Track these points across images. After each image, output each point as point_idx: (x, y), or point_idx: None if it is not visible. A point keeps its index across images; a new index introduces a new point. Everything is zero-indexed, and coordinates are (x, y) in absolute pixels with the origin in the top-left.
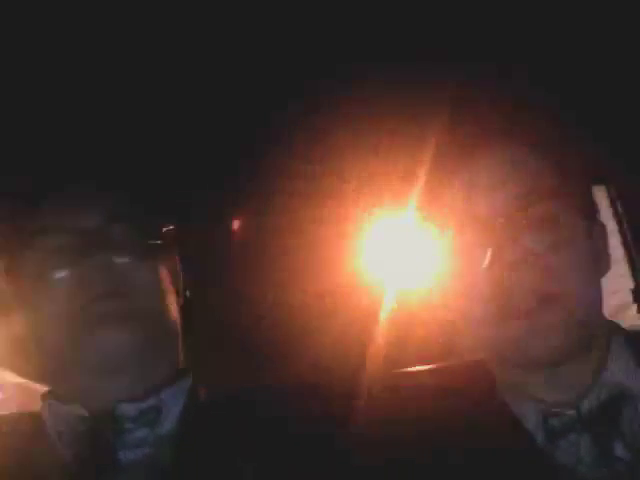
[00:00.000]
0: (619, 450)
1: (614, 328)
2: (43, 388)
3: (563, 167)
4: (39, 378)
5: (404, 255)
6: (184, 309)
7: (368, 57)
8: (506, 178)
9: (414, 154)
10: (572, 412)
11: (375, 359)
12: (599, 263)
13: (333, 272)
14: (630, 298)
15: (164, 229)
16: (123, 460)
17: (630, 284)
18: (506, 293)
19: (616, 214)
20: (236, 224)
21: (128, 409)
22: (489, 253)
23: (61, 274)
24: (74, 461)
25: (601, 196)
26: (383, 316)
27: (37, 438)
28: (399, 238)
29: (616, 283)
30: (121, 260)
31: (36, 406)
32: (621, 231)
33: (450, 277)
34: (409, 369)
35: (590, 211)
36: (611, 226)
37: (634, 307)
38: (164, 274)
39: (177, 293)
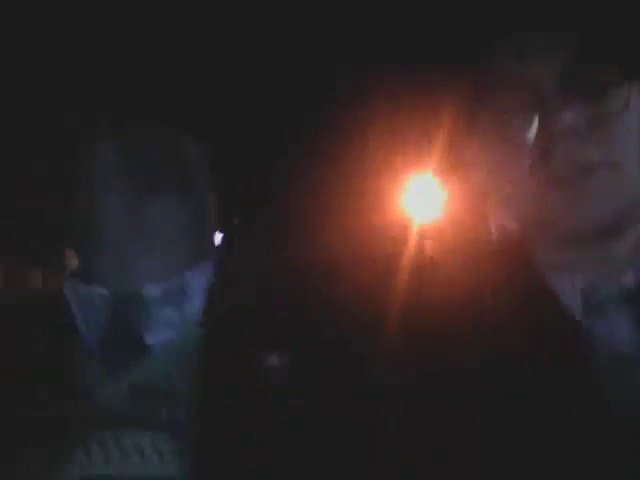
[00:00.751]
0: None
1: None
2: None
3: (615, 34)
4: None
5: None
6: None
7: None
8: (560, 41)
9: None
10: (612, 286)
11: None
12: None
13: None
14: None
15: None
16: (149, 342)
17: None
18: (548, 162)
19: None
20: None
21: (153, 290)
22: (536, 119)
23: None
24: (100, 344)
25: None
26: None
27: (62, 320)
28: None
29: None
30: None
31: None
32: None
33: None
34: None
35: None
36: None
37: None
38: None
39: None
